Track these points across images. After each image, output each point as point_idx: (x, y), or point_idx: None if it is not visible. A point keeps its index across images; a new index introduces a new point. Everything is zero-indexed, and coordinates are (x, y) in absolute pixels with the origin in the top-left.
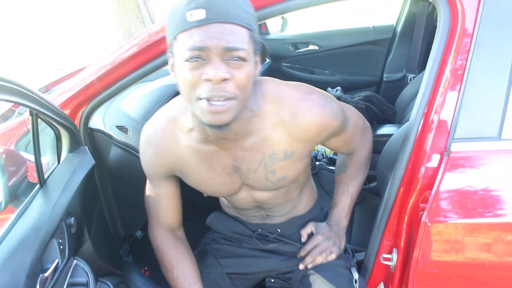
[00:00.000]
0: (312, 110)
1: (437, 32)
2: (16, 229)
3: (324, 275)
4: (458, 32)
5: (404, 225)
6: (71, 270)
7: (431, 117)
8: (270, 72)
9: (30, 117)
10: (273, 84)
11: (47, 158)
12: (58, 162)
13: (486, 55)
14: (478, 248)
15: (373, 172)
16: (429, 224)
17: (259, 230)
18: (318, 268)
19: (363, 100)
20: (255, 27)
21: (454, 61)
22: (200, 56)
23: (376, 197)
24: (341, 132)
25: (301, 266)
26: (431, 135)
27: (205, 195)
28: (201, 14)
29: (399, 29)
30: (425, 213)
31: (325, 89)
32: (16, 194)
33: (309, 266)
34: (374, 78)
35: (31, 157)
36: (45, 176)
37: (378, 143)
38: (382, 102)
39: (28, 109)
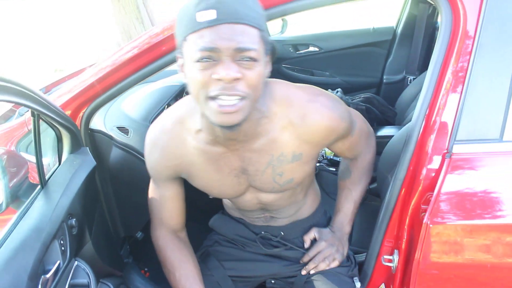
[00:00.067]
0: (320, 112)
1: (439, 34)
2: (18, 230)
3: (327, 282)
4: (460, 34)
5: (406, 227)
6: (72, 271)
7: (432, 119)
8: (270, 73)
9: (31, 118)
10: (281, 86)
11: (48, 159)
12: (59, 163)
13: (488, 57)
14: (479, 250)
15: (374, 173)
16: (431, 225)
17: (263, 232)
18: (320, 275)
19: (363, 101)
20: (265, 27)
21: (456, 63)
22: (210, 57)
23: (376, 199)
24: (348, 135)
25: (303, 272)
26: (432, 137)
27: (210, 197)
28: (211, 14)
29: (399, 31)
30: (426, 214)
31: None
32: (17, 195)
33: (312, 272)
34: (374, 80)
35: (31, 158)
36: (46, 177)
37: (379, 145)
38: (382, 103)
39: (29, 110)
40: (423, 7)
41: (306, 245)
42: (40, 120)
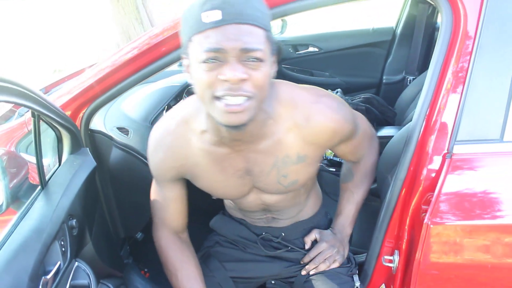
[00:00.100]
0: (325, 113)
1: (439, 34)
2: (18, 231)
3: (326, 282)
4: (460, 34)
5: (406, 227)
6: (72, 272)
7: (433, 119)
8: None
9: (32, 119)
10: (286, 87)
11: (48, 160)
12: (59, 164)
13: (488, 57)
14: (479, 250)
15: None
16: (431, 226)
17: (264, 233)
18: (320, 275)
19: (363, 102)
20: (270, 27)
21: (456, 64)
22: (216, 58)
23: (376, 199)
24: (351, 137)
25: (303, 272)
26: (433, 137)
27: (213, 198)
28: (217, 15)
29: (398, 31)
30: (427, 214)
31: None
32: (17, 196)
33: (312, 272)
34: (374, 80)
35: (31, 158)
36: (47, 178)
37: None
38: (382, 104)
39: (29, 111)
40: (423, 8)
41: (307, 246)
42: (40, 120)
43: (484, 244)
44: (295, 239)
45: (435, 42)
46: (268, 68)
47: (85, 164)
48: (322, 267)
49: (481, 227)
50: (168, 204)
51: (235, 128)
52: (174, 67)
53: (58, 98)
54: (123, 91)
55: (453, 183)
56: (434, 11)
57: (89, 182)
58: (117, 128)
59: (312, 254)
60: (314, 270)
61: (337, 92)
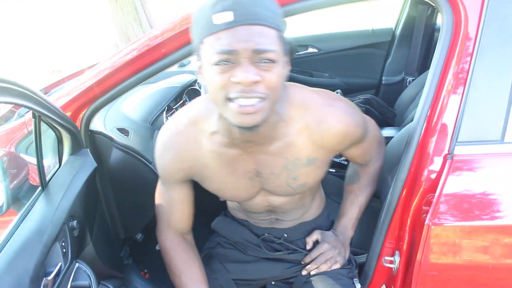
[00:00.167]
0: (337, 117)
1: (440, 36)
2: (19, 232)
3: (327, 283)
4: (461, 36)
5: (407, 228)
6: (73, 273)
7: (434, 120)
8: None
9: (33, 120)
10: (298, 90)
11: (49, 161)
12: (60, 165)
13: (489, 58)
14: (480, 251)
15: None
16: (432, 226)
17: (266, 234)
18: (321, 275)
19: (362, 103)
20: (282, 26)
21: (457, 65)
22: (228, 60)
23: (376, 200)
24: (361, 141)
25: (304, 272)
26: (434, 138)
27: (221, 199)
28: (228, 16)
29: (398, 32)
30: (428, 215)
31: None
32: (18, 197)
33: (313, 273)
34: (373, 81)
35: (31, 159)
36: (47, 179)
37: None
38: (381, 104)
39: (30, 111)
40: (422, 9)
41: (308, 246)
42: (41, 121)
43: (484, 245)
44: (297, 240)
45: (435, 43)
46: (281, 68)
47: (86, 165)
48: (323, 268)
49: (482, 228)
50: (174, 206)
51: (248, 129)
52: (174, 68)
53: (58, 99)
54: (123, 92)
55: (454, 184)
56: (433, 12)
57: (90, 183)
58: (117, 129)
59: (313, 254)
60: (315, 270)
61: (336, 93)
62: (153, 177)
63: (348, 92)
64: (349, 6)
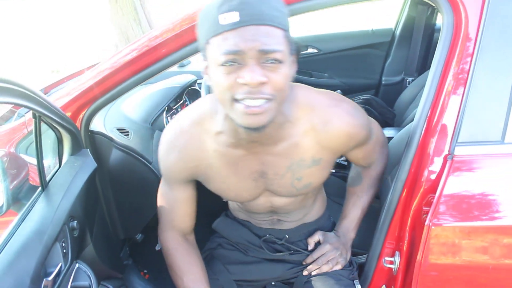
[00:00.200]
0: (343, 118)
1: (441, 36)
2: (20, 232)
3: (327, 283)
4: (462, 36)
5: (407, 228)
6: (73, 273)
7: (434, 121)
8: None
9: (33, 120)
10: (304, 91)
11: (49, 161)
12: (60, 165)
13: (489, 59)
14: (481, 252)
15: None
16: (433, 227)
17: (267, 235)
18: (321, 276)
19: (362, 103)
20: (289, 26)
21: (458, 65)
22: (235, 60)
23: (376, 200)
24: (365, 143)
25: (305, 272)
26: (434, 139)
27: (224, 200)
28: (234, 17)
29: (398, 32)
30: (428, 216)
31: None
32: (18, 197)
33: (314, 273)
34: (373, 81)
35: (31, 159)
36: (47, 179)
37: None
38: (381, 105)
39: (29, 111)
40: (422, 9)
41: (310, 247)
42: (41, 121)
43: (484, 246)
44: (298, 240)
45: (434, 43)
46: (288, 69)
47: (86, 165)
48: (325, 269)
49: (482, 228)
50: (177, 206)
51: (255, 130)
52: (174, 68)
53: (58, 99)
54: (123, 92)
55: (454, 185)
56: (433, 12)
57: (90, 183)
58: (117, 129)
59: (315, 255)
60: (316, 271)
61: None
62: (153, 178)
63: (347, 92)
64: (349, 6)
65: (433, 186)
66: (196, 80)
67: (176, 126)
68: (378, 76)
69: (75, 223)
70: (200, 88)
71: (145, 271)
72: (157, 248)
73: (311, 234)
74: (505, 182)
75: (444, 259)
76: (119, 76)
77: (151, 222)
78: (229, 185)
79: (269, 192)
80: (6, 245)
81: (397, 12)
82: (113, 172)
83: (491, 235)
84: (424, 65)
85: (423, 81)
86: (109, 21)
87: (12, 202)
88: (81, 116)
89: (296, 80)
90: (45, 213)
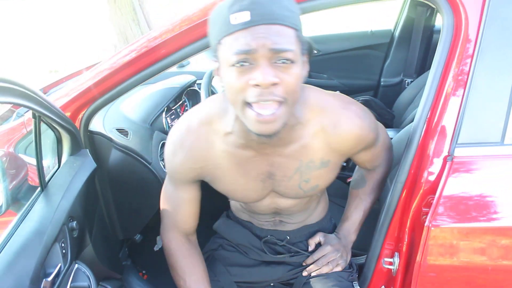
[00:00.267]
0: (353, 120)
1: (441, 37)
2: (19, 233)
3: (327, 284)
4: (462, 38)
5: (407, 229)
6: (72, 274)
7: (434, 122)
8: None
9: (33, 120)
10: (315, 92)
11: (48, 161)
12: (59, 165)
13: (489, 60)
14: (479, 253)
15: None
16: (432, 228)
17: (269, 236)
18: (321, 277)
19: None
20: (301, 26)
21: (458, 67)
22: (246, 60)
23: (376, 201)
24: (372, 146)
25: (305, 273)
26: (434, 140)
27: (230, 200)
28: (245, 16)
29: (397, 33)
30: (428, 217)
31: None
32: (17, 198)
33: (313, 274)
34: (372, 82)
35: (30, 159)
36: (46, 179)
37: None
38: (380, 106)
39: (28, 111)
40: (421, 10)
41: (311, 248)
42: (41, 121)
43: (484, 247)
44: (299, 242)
45: (433, 44)
46: (300, 69)
47: (85, 166)
48: (325, 270)
49: (481, 229)
50: (181, 206)
51: (267, 137)
52: (174, 68)
53: (57, 100)
54: (122, 93)
55: (454, 186)
56: (432, 13)
57: (89, 184)
58: (116, 129)
59: (316, 256)
60: (316, 272)
61: None
62: (152, 178)
63: (346, 93)
64: (349, 6)
65: (433, 187)
66: (195, 81)
67: (184, 126)
68: (377, 77)
69: (74, 223)
70: (199, 88)
71: (144, 271)
72: (156, 248)
73: (312, 235)
74: (504, 183)
75: (444, 260)
76: (119, 76)
77: (150, 223)
78: (236, 186)
79: (275, 193)
80: (5, 245)
81: (392, 13)
82: (112, 173)
83: (491, 236)
84: (423, 66)
85: (422, 82)
86: (108, 21)
87: (11, 202)
88: (80, 116)
89: None
90: (44, 213)
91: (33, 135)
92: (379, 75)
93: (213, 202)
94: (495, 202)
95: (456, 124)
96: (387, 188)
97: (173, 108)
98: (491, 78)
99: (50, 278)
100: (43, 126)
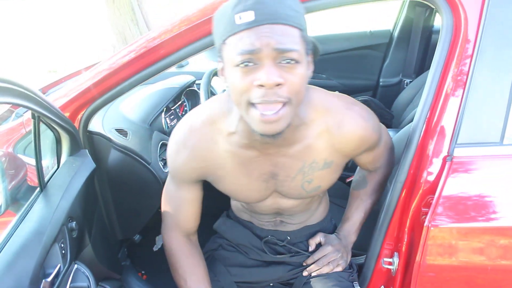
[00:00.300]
0: (357, 121)
1: (440, 38)
2: (18, 233)
3: (327, 284)
4: (461, 38)
5: (406, 229)
6: (72, 274)
7: (433, 122)
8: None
9: (32, 120)
10: (319, 93)
11: (47, 161)
12: (58, 165)
13: (488, 60)
14: (479, 253)
15: None
16: (432, 228)
17: (269, 236)
18: (321, 277)
19: None
20: (305, 26)
21: (457, 67)
22: (251, 60)
23: None
24: (375, 147)
25: (305, 273)
26: (433, 140)
27: (232, 200)
28: (249, 16)
29: (396, 34)
30: (427, 217)
31: None
32: (16, 198)
33: (314, 274)
34: (371, 83)
35: (30, 160)
36: (45, 180)
37: None
38: (379, 106)
39: (28, 111)
40: (420, 11)
41: (311, 248)
42: (40, 122)
43: (483, 247)
44: (299, 242)
45: (432, 45)
46: (304, 69)
47: (85, 166)
48: (325, 270)
49: (480, 229)
50: (183, 206)
51: (271, 137)
52: (173, 69)
53: (56, 100)
54: (121, 93)
55: (453, 186)
56: (431, 14)
57: (89, 184)
58: (115, 129)
59: (316, 256)
60: (316, 272)
61: None
62: (151, 178)
63: (345, 93)
64: (349, 7)
65: (432, 187)
66: (194, 81)
67: (187, 126)
68: (376, 78)
69: (73, 223)
70: (198, 88)
71: (143, 272)
72: (155, 249)
73: (312, 236)
74: (504, 184)
75: (443, 260)
76: (118, 77)
77: (149, 223)
78: (239, 185)
79: (277, 193)
80: (4, 246)
81: (392, 14)
82: (111, 173)
83: (490, 236)
84: (422, 67)
85: (421, 83)
86: (106, 22)
87: (10, 202)
88: (79, 116)
89: None
90: (43, 214)
91: (32, 135)
92: (378, 75)
93: (213, 202)
94: (494, 202)
95: (455, 124)
96: (387, 188)
97: (172, 108)
98: (491, 78)
99: (49, 279)
100: (42, 126)
